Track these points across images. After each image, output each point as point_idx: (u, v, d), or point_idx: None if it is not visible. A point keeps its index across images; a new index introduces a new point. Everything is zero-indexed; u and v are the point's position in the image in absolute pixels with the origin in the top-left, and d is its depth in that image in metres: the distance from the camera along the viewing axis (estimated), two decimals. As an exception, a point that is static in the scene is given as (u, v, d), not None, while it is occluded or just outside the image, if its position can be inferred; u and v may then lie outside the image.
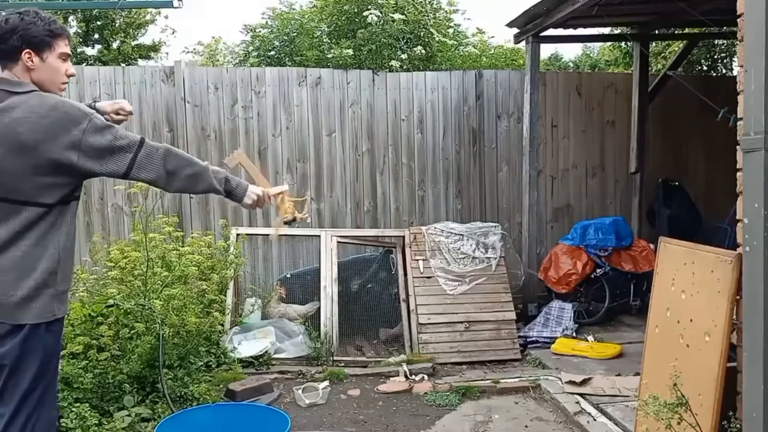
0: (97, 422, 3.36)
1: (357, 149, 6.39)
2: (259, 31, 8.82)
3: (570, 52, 19.60)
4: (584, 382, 4.40)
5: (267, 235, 6.12)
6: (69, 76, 2.32)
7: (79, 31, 13.00)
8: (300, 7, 9.12)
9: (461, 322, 5.28)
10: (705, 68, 9.20)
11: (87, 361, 3.61)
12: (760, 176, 2.35)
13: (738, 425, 2.56)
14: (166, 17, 14.30)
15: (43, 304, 2.17)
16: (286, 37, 8.42)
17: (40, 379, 2.17)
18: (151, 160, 2.24)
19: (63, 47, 2.27)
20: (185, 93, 6.05)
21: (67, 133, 2.12)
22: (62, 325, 2.32)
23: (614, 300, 5.91)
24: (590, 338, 5.37)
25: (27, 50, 2.19)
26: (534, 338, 5.51)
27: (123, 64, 11.85)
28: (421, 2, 8.48)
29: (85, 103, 2.48)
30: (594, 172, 6.90)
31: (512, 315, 5.39)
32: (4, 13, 2.35)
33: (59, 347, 2.35)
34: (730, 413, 2.62)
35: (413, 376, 4.69)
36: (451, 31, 9.09)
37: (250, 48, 8.87)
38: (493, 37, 13.31)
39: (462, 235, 5.68)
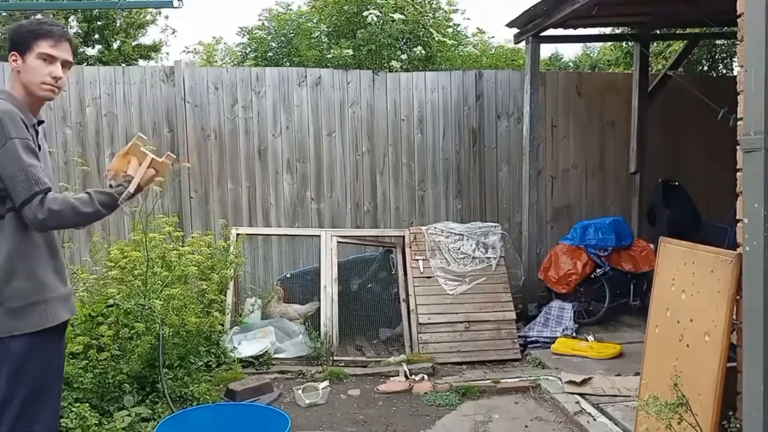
0: (97, 422, 3.36)
1: (357, 149, 6.39)
2: (256, 33, 8.81)
3: (570, 52, 19.60)
4: (584, 382, 4.40)
5: (268, 235, 6.14)
6: (54, 78, 2.25)
7: (80, 31, 13.00)
8: (298, 7, 9.13)
9: (461, 322, 5.28)
10: (705, 68, 9.20)
11: (87, 361, 3.61)
12: (760, 176, 2.35)
13: (738, 425, 2.56)
14: (167, 17, 14.33)
15: None
16: (283, 38, 8.41)
17: (8, 392, 2.14)
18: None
19: (45, 48, 2.23)
20: (185, 93, 6.05)
21: None
22: (34, 340, 2.19)
23: (614, 300, 5.91)
24: (590, 338, 5.37)
25: (12, 52, 2.26)
26: (534, 338, 5.51)
27: (123, 64, 11.86)
28: (421, 2, 8.47)
29: None
30: (594, 172, 6.90)
31: (512, 315, 5.39)
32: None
33: (34, 363, 2.20)
34: (730, 413, 2.62)
35: (413, 376, 4.69)
36: (450, 31, 9.09)
37: (248, 50, 8.87)
38: (493, 37, 13.35)
39: (462, 235, 5.68)
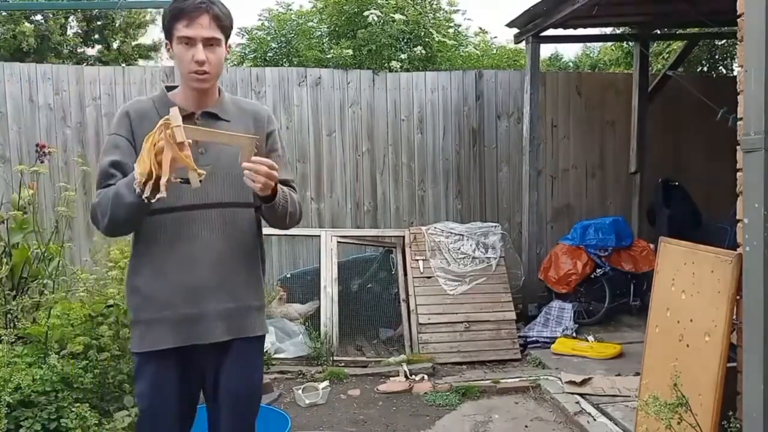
0: (97, 422, 3.35)
1: (357, 149, 6.39)
2: (256, 33, 8.81)
3: (570, 52, 19.61)
4: (584, 382, 4.40)
5: (269, 235, 6.13)
6: (197, 63, 1.94)
7: (80, 31, 13.00)
8: (299, 6, 9.12)
9: (461, 322, 5.28)
10: (705, 68, 9.19)
11: (87, 361, 3.60)
12: (760, 176, 2.35)
13: (738, 425, 2.56)
14: (167, 17, 14.29)
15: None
16: (283, 39, 8.41)
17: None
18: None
19: (181, 30, 1.93)
20: (185, 93, 6.04)
21: None
22: (139, 361, 2.07)
23: (614, 300, 5.91)
24: (590, 338, 5.37)
25: (166, 41, 2.02)
26: (534, 338, 5.51)
27: (123, 64, 11.85)
28: (421, 2, 8.47)
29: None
30: (594, 172, 6.89)
31: (512, 315, 5.39)
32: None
33: (140, 385, 2.08)
34: (730, 413, 2.62)
35: (413, 376, 4.69)
36: (451, 31, 9.08)
37: (247, 50, 8.86)
38: (495, 37, 13.33)
39: (462, 235, 5.68)
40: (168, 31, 1.98)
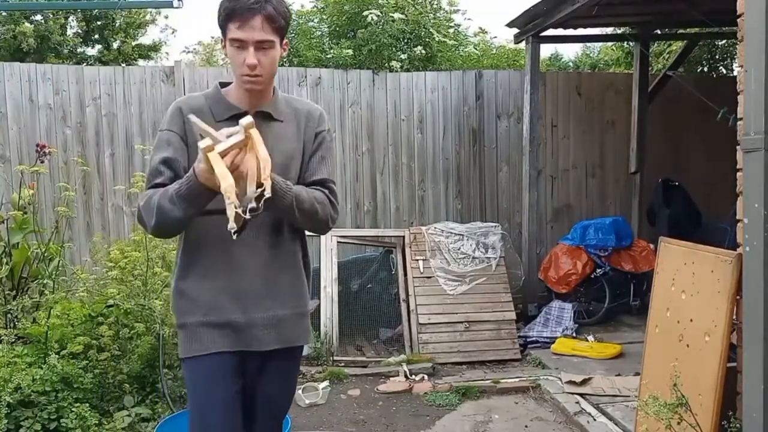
0: (97, 422, 3.35)
1: (357, 149, 6.39)
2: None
3: (570, 52, 19.61)
4: (584, 382, 4.40)
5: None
6: (249, 67, 1.86)
7: (80, 31, 13.00)
8: (300, 6, 9.13)
9: (461, 322, 5.28)
10: (705, 68, 9.20)
11: (87, 361, 3.60)
12: (761, 176, 2.35)
13: (738, 425, 2.56)
14: (166, 17, 14.32)
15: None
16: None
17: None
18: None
19: (233, 31, 1.85)
20: (185, 93, 6.05)
21: None
22: (188, 367, 1.98)
23: (614, 300, 5.91)
24: (590, 338, 5.37)
25: (221, 38, 1.95)
26: (534, 338, 5.51)
27: (123, 64, 11.86)
28: (422, 2, 8.47)
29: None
30: (594, 172, 6.90)
31: (512, 315, 5.39)
32: None
33: (192, 393, 1.98)
34: (730, 413, 2.62)
35: (413, 376, 4.69)
36: (451, 31, 9.08)
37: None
38: (495, 37, 13.33)
39: (462, 235, 5.68)
40: (221, 29, 1.91)
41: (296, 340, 2.07)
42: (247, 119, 1.71)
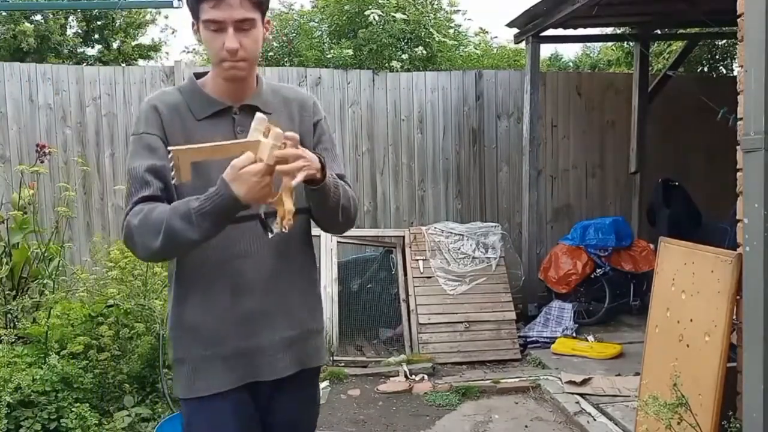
0: (97, 422, 3.35)
1: (357, 149, 6.39)
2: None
3: (570, 52, 19.62)
4: (584, 382, 4.40)
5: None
6: (230, 51, 1.60)
7: (80, 31, 13.00)
8: (300, 6, 9.14)
9: (461, 322, 5.28)
10: (705, 68, 9.20)
11: (87, 361, 3.60)
12: (760, 176, 2.35)
13: (738, 425, 2.56)
14: (166, 17, 14.33)
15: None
16: (284, 38, 8.42)
17: None
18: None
19: (207, 12, 1.59)
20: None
21: None
22: (190, 409, 1.73)
23: (614, 300, 5.91)
24: (590, 338, 5.37)
25: (192, 21, 1.68)
26: (534, 338, 5.51)
27: (123, 64, 11.85)
28: (422, 2, 8.47)
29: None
30: (594, 172, 6.90)
31: (512, 315, 5.39)
32: None
33: None
34: (730, 413, 2.62)
35: (413, 376, 4.69)
36: (452, 31, 9.09)
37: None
38: (496, 37, 13.35)
39: (462, 235, 5.68)
40: (192, 10, 1.65)
41: (312, 362, 1.81)
42: (258, 117, 1.50)
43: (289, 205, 1.50)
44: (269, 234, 1.56)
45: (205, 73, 1.76)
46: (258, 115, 1.50)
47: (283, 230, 1.52)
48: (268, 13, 1.69)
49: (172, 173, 1.46)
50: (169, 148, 1.46)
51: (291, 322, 1.74)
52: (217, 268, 1.66)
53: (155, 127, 1.66)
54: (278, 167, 1.45)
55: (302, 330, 1.77)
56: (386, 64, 7.16)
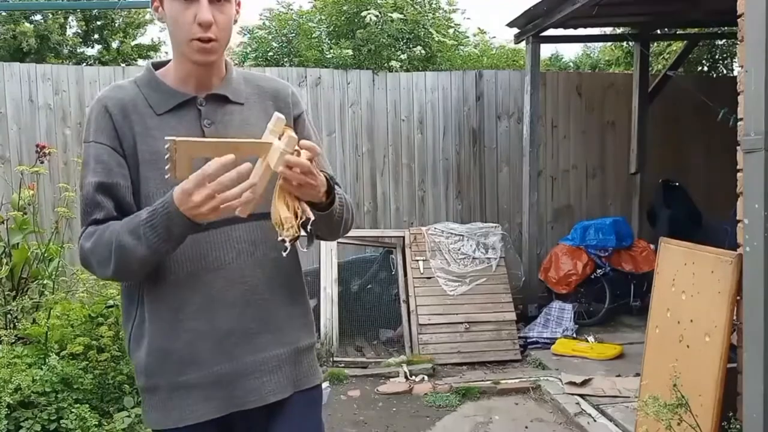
0: (96, 423, 3.35)
1: (357, 150, 6.39)
2: (257, 33, 8.82)
3: (570, 52, 19.63)
4: (584, 383, 4.39)
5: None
6: (201, 26, 1.39)
7: (79, 31, 13.01)
8: (299, 7, 9.13)
9: (461, 323, 5.28)
10: (705, 68, 9.20)
11: (87, 362, 3.60)
12: (761, 177, 2.35)
13: (738, 426, 2.56)
14: (166, 17, 14.31)
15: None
16: (283, 38, 8.42)
17: None
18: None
19: None
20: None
21: None
22: None
23: (614, 300, 5.91)
24: (590, 339, 5.37)
25: None
26: (534, 339, 5.51)
27: (123, 64, 11.85)
28: (421, 2, 8.47)
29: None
30: (594, 173, 6.89)
31: (512, 316, 5.38)
32: None
33: None
34: (730, 414, 2.62)
35: (413, 377, 4.69)
36: (451, 31, 9.09)
37: (248, 49, 8.88)
38: (494, 37, 13.36)
39: (462, 235, 5.67)
40: None
41: (307, 381, 1.59)
42: (277, 116, 1.35)
43: (284, 212, 1.35)
44: (284, 252, 1.38)
45: (164, 63, 1.55)
46: (276, 114, 1.34)
47: (283, 240, 1.36)
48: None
49: (167, 167, 1.26)
50: (167, 137, 1.25)
51: (277, 339, 1.53)
52: (187, 283, 1.45)
53: (104, 135, 1.45)
54: (282, 169, 1.30)
55: (291, 347, 1.55)
56: (385, 65, 7.16)
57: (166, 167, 1.27)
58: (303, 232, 1.39)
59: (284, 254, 1.37)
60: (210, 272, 1.45)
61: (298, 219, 1.36)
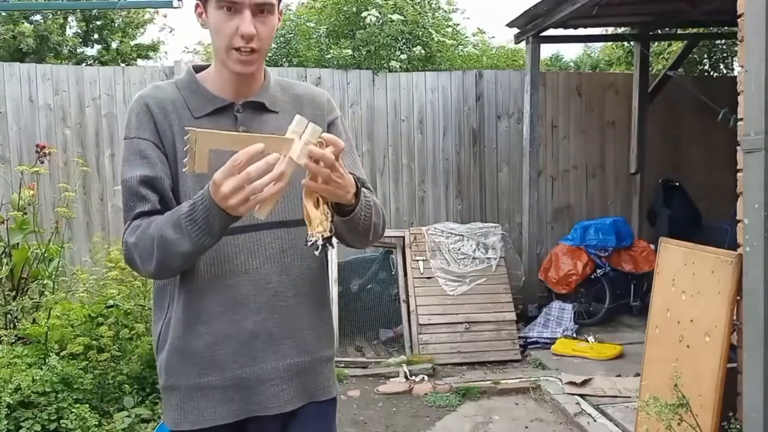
0: (96, 423, 3.35)
1: (357, 150, 6.38)
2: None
3: (571, 52, 19.63)
4: (584, 383, 4.39)
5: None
6: (243, 38, 1.40)
7: (79, 31, 13.00)
8: (299, 4, 9.14)
9: (461, 323, 5.28)
10: (706, 68, 9.20)
11: (87, 362, 3.60)
12: (761, 177, 2.35)
13: (738, 426, 2.56)
14: (165, 16, 14.30)
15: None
16: (282, 39, 8.42)
17: None
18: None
19: None
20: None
21: None
22: None
23: (614, 300, 5.91)
24: (590, 339, 5.37)
25: (197, 2, 1.48)
26: (534, 339, 5.51)
27: (122, 65, 11.85)
28: (420, 2, 8.47)
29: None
30: (594, 173, 6.89)
31: (512, 315, 5.38)
32: None
33: None
34: (730, 414, 2.62)
35: (413, 377, 4.69)
36: (450, 31, 9.09)
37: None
38: (494, 37, 13.36)
39: (462, 235, 5.67)
40: None
41: (323, 394, 1.57)
42: (298, 119, 1.32)
43: (312, 210, 1.32)
44: (315, 252, 1.34)
45: (205, 67, 1.57)
46: (297, 116, 1.31)
47: (309, 243, 1.31)
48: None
49: (185, 159, 1.26)
50: (187, 127, 1.25)
51: (298, 347, 1.52)
52: (212, 285, 1.46)
53: (147, 131, 1.47)
54: (305, 162, 1.27)
55: (311, 357, 1.54)
56: (385, 65, 7.16)
57: (184, 159, 1.26)
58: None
59: (316, 253, 1.33)
60: (236, 276, 1.46)
61: (328, 219, 1.34)
